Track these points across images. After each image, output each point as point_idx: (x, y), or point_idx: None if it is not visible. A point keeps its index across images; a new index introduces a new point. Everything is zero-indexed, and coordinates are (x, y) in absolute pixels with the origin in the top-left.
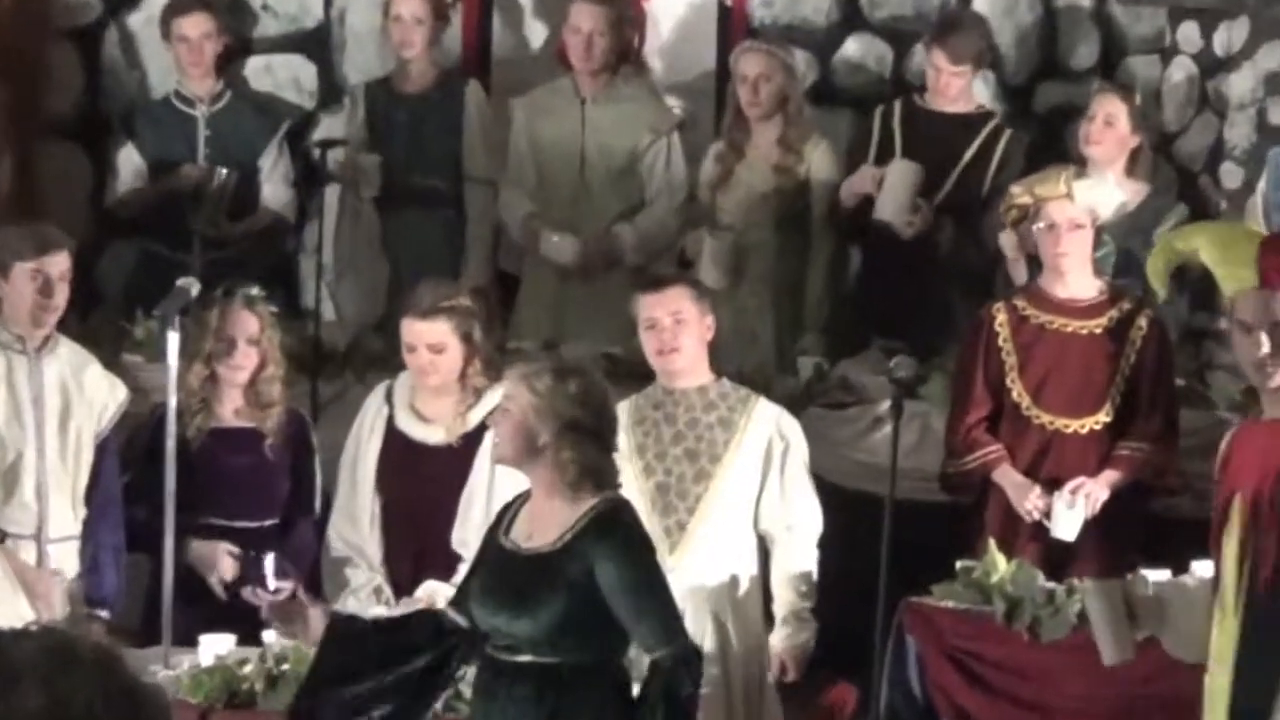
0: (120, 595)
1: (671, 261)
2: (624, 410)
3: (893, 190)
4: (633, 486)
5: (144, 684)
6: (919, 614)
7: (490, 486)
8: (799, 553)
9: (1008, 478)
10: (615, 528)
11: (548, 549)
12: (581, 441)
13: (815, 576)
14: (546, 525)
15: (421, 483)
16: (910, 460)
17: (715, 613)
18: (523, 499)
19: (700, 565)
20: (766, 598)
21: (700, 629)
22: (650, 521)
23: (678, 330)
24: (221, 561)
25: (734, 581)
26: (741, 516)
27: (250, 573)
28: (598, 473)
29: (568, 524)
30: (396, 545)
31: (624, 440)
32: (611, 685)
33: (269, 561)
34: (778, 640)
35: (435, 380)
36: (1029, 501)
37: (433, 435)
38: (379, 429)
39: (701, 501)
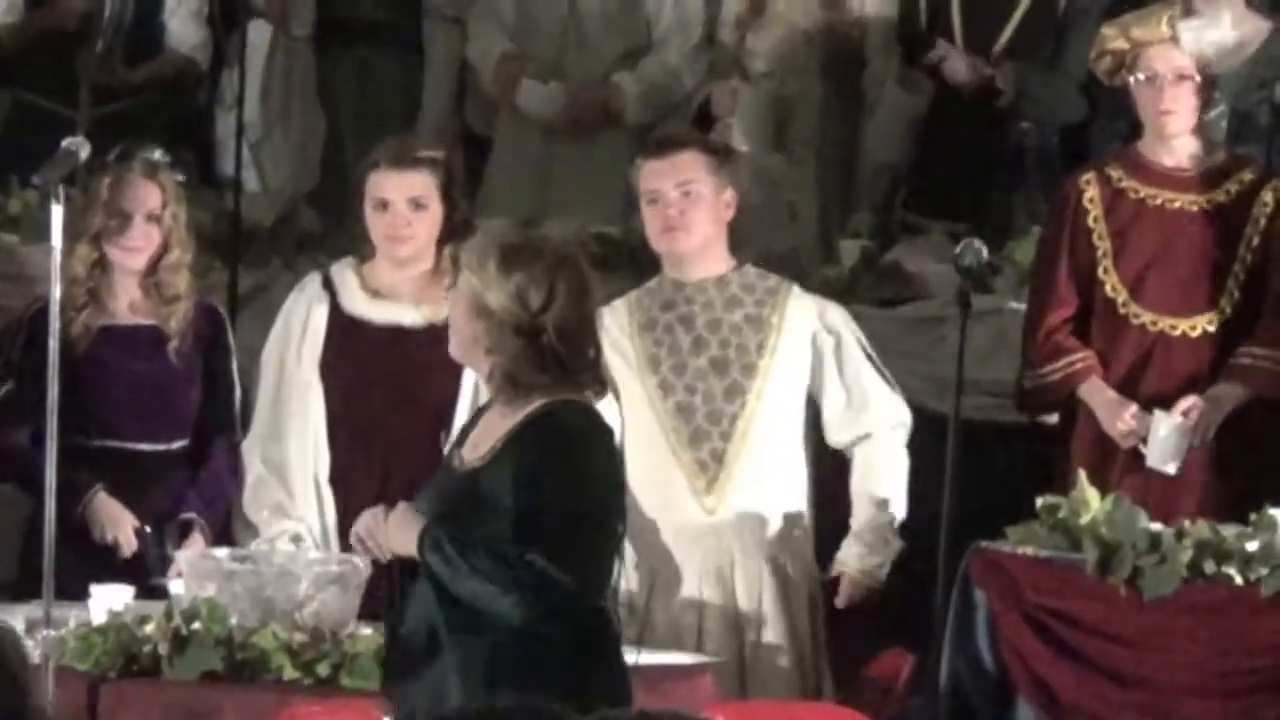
0: None
1: (687, 119)
2: (622, 311)
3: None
4: (646, 410)
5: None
6: (990, 563)
7: None
8: (881, 459)
9: (1098, 393)
10: (547, 437)
11: (477, 463)
12: (516, 345)
13: (904, 488)
14: (487, 437)
15: (392, 376)
16: (980, 370)
17: (772, 558)
18: (485, 407)
19: (746, 504)
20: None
21: (753, 585)
22: (677, 454)
23: (686, 205)
24: (124, 534)
25: (788, 521)
26: (790, 438)
27: (150, 550)
28: (533, 380)
29: (501, 433)
30: (354, 464)
31: (628, 349)
32: (562, 639)
33: (170, 536)
34: (848, 558)
35: (409, 248)
36: (1123, 423)
37: (405, 315)
38: (318, 319)
39: (739, 424)
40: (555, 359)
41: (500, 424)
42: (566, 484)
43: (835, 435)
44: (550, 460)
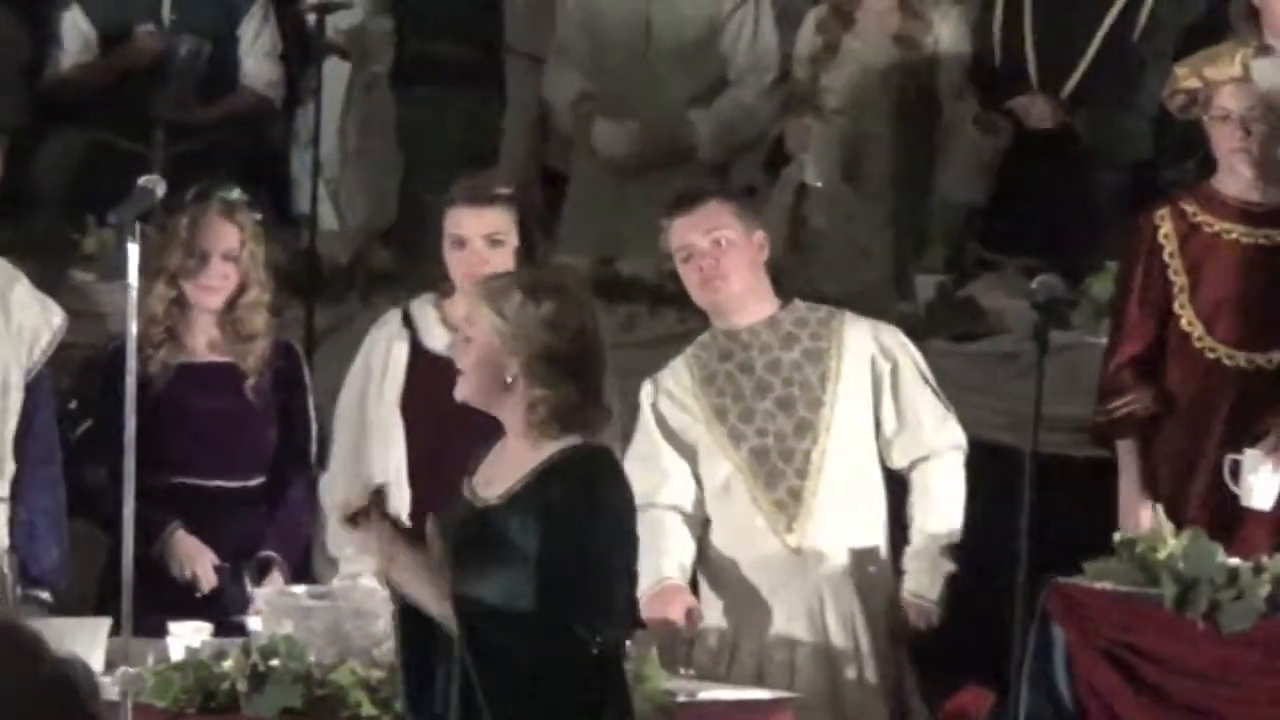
0: (63, 571)
1: (761, 155)
2: (681, 369)
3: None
4: (721, 460)
5: (71, 664)
6: (1068, 598)
7: None
8: (936, 481)
9: (1126, 471)
10: (570, 481)
11: (495, 501)
12: (557, 377)
13: (960, 510)
14: (503, 473)
15: (471, 415)
16: (1056, 406)
17: (859, 589)
18: (503, 440)
19: (829, 538)
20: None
21: (846, 620)
22: (756, 498)
23: (720, 254)
24: (203, 569)
25: (870, 551)
26: (865, 468)
27: (228, 588)
28: (573, 417)
29: (521, 473)
30: (435, 501)
31: (693, 405)
32: (573, 666)
33: (249, 574)
34: (904, 582)
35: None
36: (1135, 520)
37: None
38: (399, 356)
39: (813, 459)
40: (594, 390)
41: (521, 461)
42: (592, 529)
43: (892, 458)
44: (576, 507)
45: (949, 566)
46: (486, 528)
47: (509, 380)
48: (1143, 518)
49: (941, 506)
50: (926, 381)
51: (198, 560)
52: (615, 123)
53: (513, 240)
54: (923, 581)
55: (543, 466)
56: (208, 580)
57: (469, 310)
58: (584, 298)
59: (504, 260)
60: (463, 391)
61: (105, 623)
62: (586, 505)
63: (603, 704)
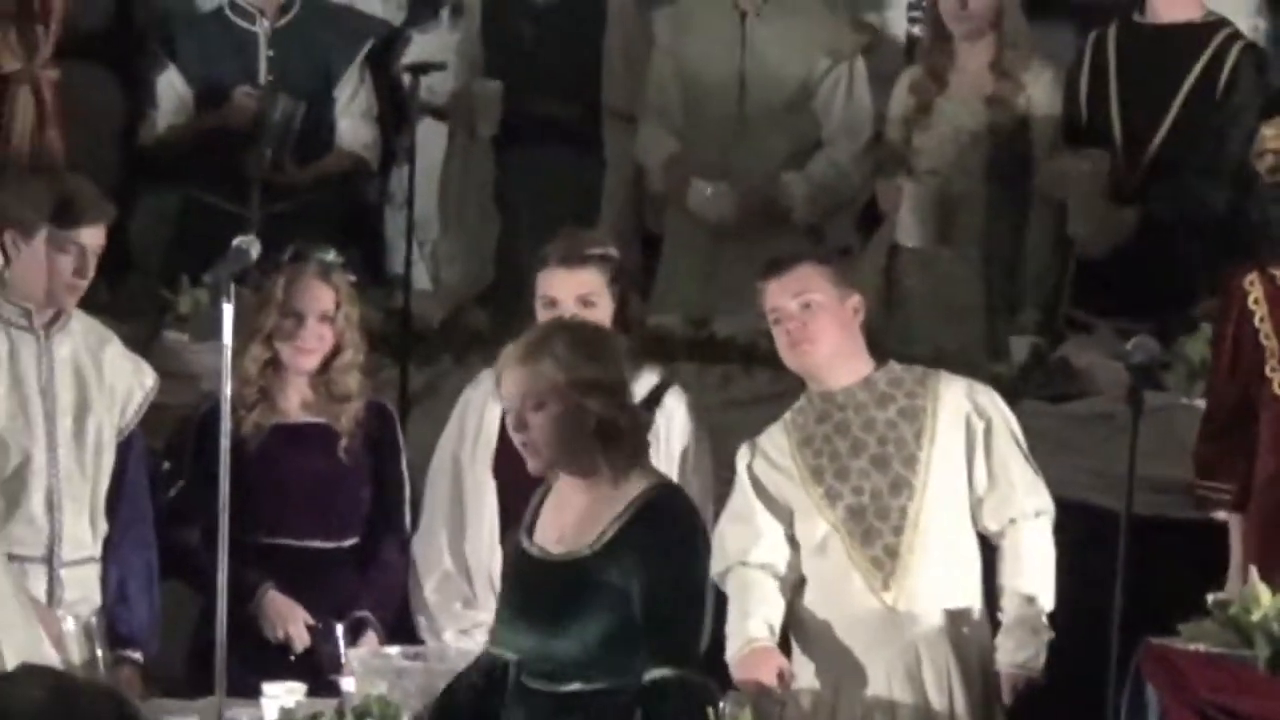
0: (154, 631)
1: (854, 215)
2: (779, 433)
3: (1078, 195)
4: (817, 520)
5: None
6: (1162, 659)
7: (688, 462)
8: (1027, 547)
9: (1234, 541)
10: (664, 519)
11: (587, 551)
12: (623, 407)
13: (1051, 575)
14: (581, 522)
15: None
16: (1150, 467)
17: (956, 647)
18: (544, 493)
19: (925, 595)
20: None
21: (942, 678)
22: (852, 556)
23: (808, 317)
24: (296, 629)
25: (965, 609)
26: (960, 524)
27: (321, 647)
28: (642, 446)
29: (609, 517)
30: None
31: (790, 467)
32: (684, 710)
33: (343, 634)
34: (1001, 655)
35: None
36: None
37: None
38: (491, 417)
39: (909, 516)
40: (642, 435)
41: (599, 508)
42: (692, 565)
43: (981, 519)
44: (677, 544)
45: (1049, 634)
46: (582, 577)
47: (594, 426)
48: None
49: (1036, 574)
50: (1018, 444)
51: (290, 620)
52: (708, 184)
53: (605, 301)
54: (1027, 652)
55: (632, 510)
56: (301, 639)
57: (520, 380)
58: (625, 350)
59: (597, 321)
60: (544, 463)
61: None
62: (683, 543)
63: None
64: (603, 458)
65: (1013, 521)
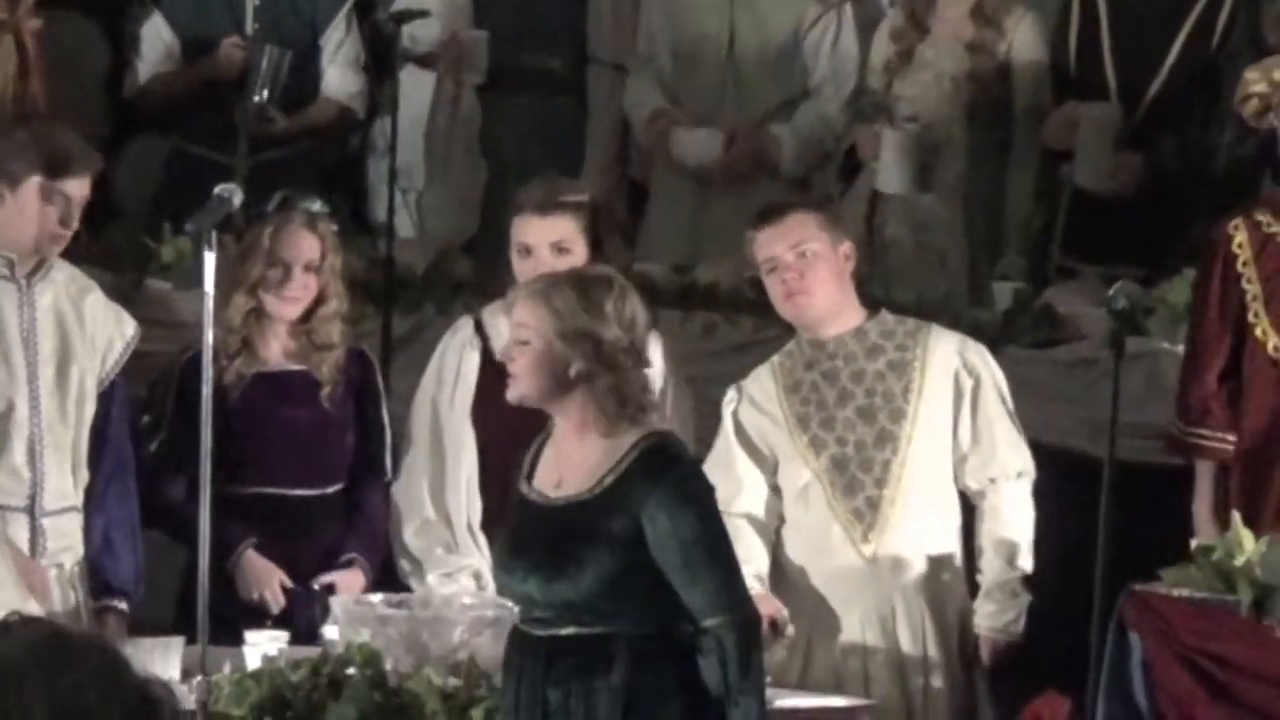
0: (138, 580)
1: (837, 163)
2: (766, 376)
3: (1086, 143)
4: (801, 468)
5: (153, 684)
6: (1145, 605)
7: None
8: (1007, 509)
9: (1203, 490)
10: (666, 469)
11: (585, 496)
12: (623, 366)
13: (1030, 537)
14: (580, 468)
15: (541, 423)
16: (1134, 413)
17: (932, 600)
18: (543, 440)
19: (903, 549)
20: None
21: (916, 630)
22: (833, 506)
23: (804, 266)
24: (272, 591)
25: (943, 563)
26: (942, 480)
27: (299, 607)
28: (642, 403)
29: (607, 465)
30: (496, 510)
31: (776, 412)
32: (674, 660)
33: (327, 597)
34: (980, 618)
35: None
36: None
37: None
38: (470, 365)
39: (892, 469)
40: (645, 380)
41: (598, 455)
42: (711, 503)
43: (963, 476)
44: (692, 486)
45: (1027, 598)
46: (581, 520)
47: (572, 376)
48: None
49: (1016, 536)
50: (1005, 403)
51: (266, 583)
52: (696, 131)
53: (580, 248)
54: (1007, 616)
55: (632, 458)
56: (276, 602)
57: (520, 313)
58: (628, 288)
59: (571, 268)
60: (519, 393)
61: (179, 641)
62: (693, 491)
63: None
64: (586, 408)
65: (993, 481)
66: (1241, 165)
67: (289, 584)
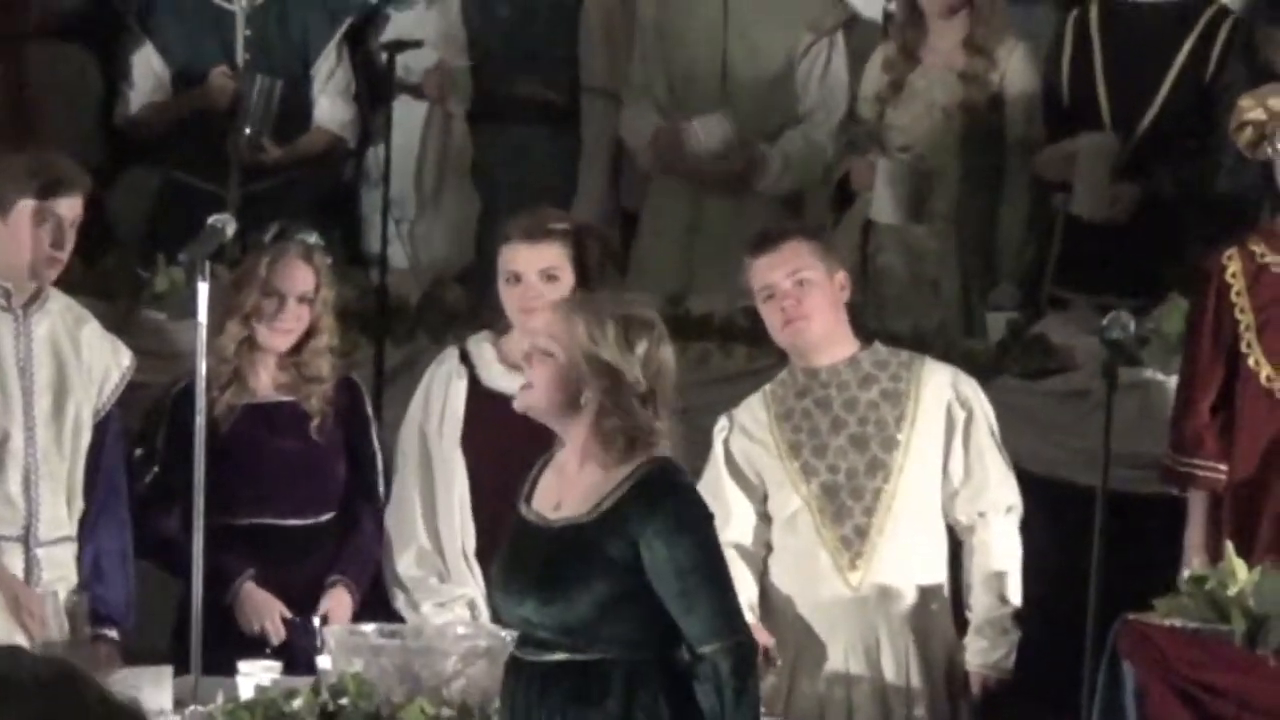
0: (129, 609)
1: (828, 193)
2: (758, 405)
3: (1085, 173)
4: (791, 494)
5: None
6: (1138, 634)
7: None
8: (997, 545)
9: (1195, 519)
10: (665, 495)
11: (583, 518)
12: (631, 408)
13: (1019, 573)
14: (579, 491)
15: (531, 450)
16: (1127, 443)
17: (917, 631)
18: (545, 461)
19: (890, 578)
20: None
21: (900, 660)
22: (823, 534)
23: (802, 294)
24: (272, 623)
25: (929, 595)
26: (931, 511)
27: (298, 638)
28: (645, 441)
29: (606, 488)
30: (499, 538)
31: (768, 439)
32: (668, 687)
33: (319, 627)
34: (970, 655)
35: (542, 319)
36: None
37: None
38: (457, 394)
39: (882, 498)
40: (659, 413)
41: (598, 481)
42: (709, 529)
43: (954, 510)
44: (688, 512)
45: (1017, 634)
46: (579, 543)
47: (583, 402)
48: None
49: (1006, 573)
50: (995, 437)
51: (266, 614)
52: (707, 118)
53: (568, 276)
54: (998, 653)
55: (631, 483)
56: (277, 634)
57: (552, 324)
58: (666, 339)
59: (558, 295)
60: (529, 402)
61: (168, 670)
62: (691, 518)
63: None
64: (591, 437)
65: (983, 515)
66: (1241, 195)
67: (289, 616)
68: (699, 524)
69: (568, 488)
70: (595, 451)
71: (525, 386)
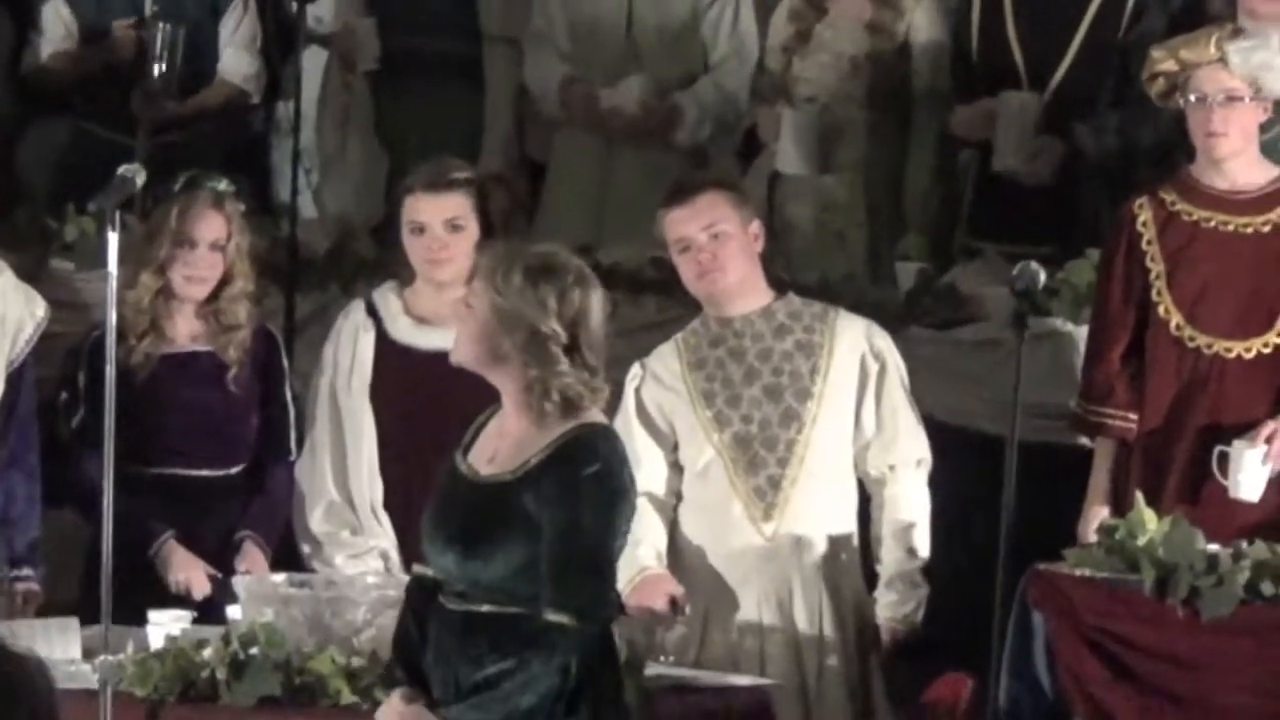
0: (38, 557)
1: (736, 145)
2: (670, 354)
3: (1007, 129)
4: (703, 443)
5: (25, 660)
6: (1048, 585)
7: None
8: (906, 498)
9: (1098, 473)
10: (580, 461)
11: (508, 476)
12: (553, 359)
13: (927, 527)
14: (512, 449)
15: (439, 401)
16: (1038, 393)
17: (828, 582)
18: (492, 412)
19: (803, 529)
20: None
21: (813, 610)
22: (736, 484)
23: (717, 246)
24: (196, 582)
25: (841, 545)
26: (843, 462)
27: (220, 599)
28: (572, 399)
29: (534, 448)
30: (408, 490)
31: (680, 387)
32: (586, 649)
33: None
34: (881, 608)
35: (447, 270)
36: (1087, 528)
37: (449, 340)
38: (365, 347)
39: (795, 449)
40: (592, 371)
41: (527, 439)
42: (607, 507)
43: (865, 462)
44: (592, 484)
45: (925, 588)
46: (501, 500)
47: (502, 353)
48: (1092, 522)
49: (915, 526)
50: (906, 391)
51: (191, 573)
52: (621, 82)
53: (473, 226)
54: (908, 606)
55: (557, 444)
56: (201, 589)
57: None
58: (586, 283)
59: (464, 245)
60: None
61: (74, 621)
62: (595, 487)
63: (598, 679)
64: (518, 391)
65: (893, 468)
66: (1168, 145)
67: (214, 573)
68: (603, 499)
69: (504, 441)
70: (528, 407)
71: (455, 341)
